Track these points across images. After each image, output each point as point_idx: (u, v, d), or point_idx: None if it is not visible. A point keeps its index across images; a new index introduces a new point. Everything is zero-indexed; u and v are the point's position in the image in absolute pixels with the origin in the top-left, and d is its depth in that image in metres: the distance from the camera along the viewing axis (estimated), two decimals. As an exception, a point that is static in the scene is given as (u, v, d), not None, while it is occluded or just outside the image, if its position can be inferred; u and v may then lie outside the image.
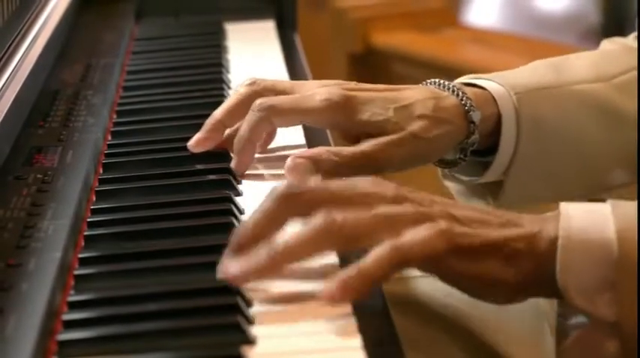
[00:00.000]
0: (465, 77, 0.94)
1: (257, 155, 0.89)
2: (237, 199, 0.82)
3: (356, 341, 0.62)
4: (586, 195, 0.97)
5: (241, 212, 0.81)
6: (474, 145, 0.89)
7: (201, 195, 0.82)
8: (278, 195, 0.68)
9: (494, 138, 0.91)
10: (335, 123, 0.87)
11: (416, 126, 0.86)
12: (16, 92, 0.93)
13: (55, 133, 0.94)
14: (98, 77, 1.09)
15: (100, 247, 0.76)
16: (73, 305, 0.68)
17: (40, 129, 0.95)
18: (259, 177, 0.88)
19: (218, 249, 0.72)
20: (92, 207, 0.81)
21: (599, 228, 0.67)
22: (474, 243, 0.67)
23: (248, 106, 0.87)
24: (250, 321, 0.65)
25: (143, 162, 0.90)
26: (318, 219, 0.66)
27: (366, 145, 0.85)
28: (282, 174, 0.86)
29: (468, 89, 0.90)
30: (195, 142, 0.89)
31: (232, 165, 0.87)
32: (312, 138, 0.94)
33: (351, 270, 0.65)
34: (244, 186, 0.86)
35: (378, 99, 0.87)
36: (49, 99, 1.03)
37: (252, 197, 0.84)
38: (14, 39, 1.01)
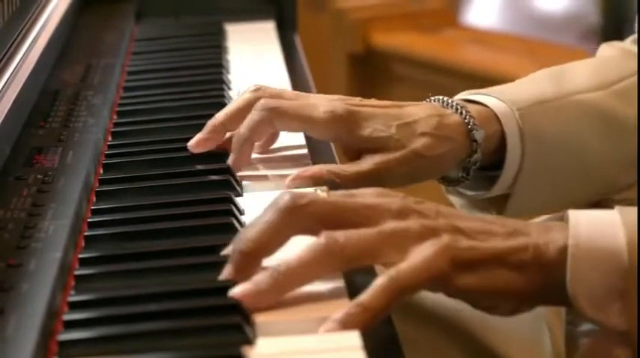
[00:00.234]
0: (465, 93, 0.93)
1: (257, 155, 0.89)
2: (238, 200, 0.82)
3: (356, 342, 0.62)
4: (590, 202, 0.97)
5: (241, 212, 0.81)
6: (477, 164, 0.89)
7: (201, 195, 0.82)
8: (282, 207, 0.67)
9: (499, 155, 0.91)
10: (336, 136, 0.87)
11: (418, 143, 0.86)
12: (17, 92, 0.93)
13: (55, 134, 0.94)
14: (98, 78, 1.10)
15: (101, 247, 0.76)
16: (74, 306, 0.68)
17: (41, 130, 0.95)
18: (260, 177, 0.88)
19: (218, 250, 0.72)
20: (92, 208, 0.82)
21: (609, 236, 0.66)
22: (479, 256, 0.66)
23: (249, 112, 0.87)
24: (250, 321, 0.65)
25: (143, 163, 0.90)
26: (320, 241, 0.66)
27: (367, 164, 0.85)
28: (283, 175, 0.86)
29: (470, 107, 0.90)
30: (195, 143, 0.89)
31: (229, 161, 0.86)
32: (313, 139, 0.94)
33: (352, 307, 0.64)
34: (244, 186, 0.86)
35: (381, 115, 0.86)
36: (49, 100, 1.03)
37: (253, 198, 0.84)
38: (15, 39, 1.01)
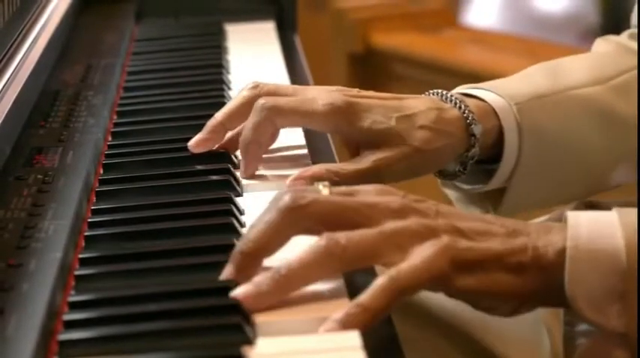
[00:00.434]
0: (463, 87, 0.93)
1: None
2: (238, 200, 0.83)
3: (356, 342, 0.62)
4: (586, 197, 0.97)
5: (241, 212, 0.81)
6: (474, 158, 0.89)
7: (201, 195, 0.83)
8: (282, 207, 0.67)
9: (496, 149, 0.91)
10: (336, 128, 0.87)
11: (417, 137, 0.86)
12: (17, 93, 0.93)
13: (55, 134, 0.94)
14: (99, 78, 1.10)
15: (101, 247, 0.76)
16: (74, 306, 0.68)
17: (41, 130, 0.95)
18: (260, 177, 0.88)
19: (218, 250, 0.72)
20: (92, 208, 0.82)
21: (608, 238, 0.66)
22: (478, 257, 0.66)
23: (249, 109, 0.86)
24: (250, 322, 0.65)
25: (143, 163, 0.90)
26: (321, 242, 0.66)
27: (365, 161, 0.85)
28: (283, 175, 0.86)
29: (469, 101, 0.90)
30: (195, 143, 0.89)
31: (241, 168, 0.86)
32: (313, 139, 0.95)
33: (352, 307, 0.64)
34: (244, 186, 0.86)
35: (381, 107, 0.86)
36: (49, 100, 1.03)
37: (253, 198, 0.84)
38: (15, 40, 1.01)
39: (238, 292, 0.66)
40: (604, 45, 1.02)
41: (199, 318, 0.65)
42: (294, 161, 0.89)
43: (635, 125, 0.93)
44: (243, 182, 0.86)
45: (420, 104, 0.88)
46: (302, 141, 0.93)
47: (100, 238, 0.77)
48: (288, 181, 0.83)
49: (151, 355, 0.63)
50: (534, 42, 2.50)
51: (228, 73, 1.16)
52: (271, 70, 1.17)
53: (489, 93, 0.91)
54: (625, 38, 1.01)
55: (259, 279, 0.66)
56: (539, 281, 0.67)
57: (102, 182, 0.87)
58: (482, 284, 0.66)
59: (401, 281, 0.64)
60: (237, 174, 0.87)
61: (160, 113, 1.02)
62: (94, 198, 0.84)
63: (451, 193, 0.96)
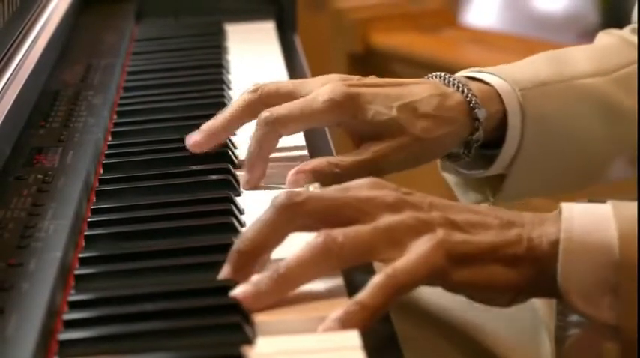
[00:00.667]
0: (467, 70, 0.93)
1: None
2: (237, 199, 0.83)
3: (355, 341, 0.62)
4: (584, 187, 0.98)
5: (241, 212, 0.81)
6: (479, 142, 0.89)
7: (201, 195, 0.83)
8: (278, 205, 0.68)
9: (497, 133, 0.91)
10: (339, 121, 0.87)
11: (419, 126, 0.86)
12: (17, 93, 0.93)
13: (55, 134, 0.94)
14: (99, 78, 1.10)
15: (101, 247, 0.76)
16: (74, 305, 0.68)
17: (41, 130, 0.95)
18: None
19: (218, 249, 0.72)
20: (92, 207, 0.82)
21: (601, 231, 0.67)
22: (473, 250, 0.67)
23: (249, 113, 0.87)
24: (250, 321, 0.65)
25: (143, 163, 0.90)
26: (318, 240, 0.66)
27: (365, 153, 0.85)
28: (282, 175, 0.86)
29: (473, 84, 0.90)
30: (192, 143, 0.88)
31: (243, 180, 0.86)
32: (312, 138, 0.95)
33: (351, 305, 0.64)
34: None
35: (382, 96, 0.86)
36: (49, 100, 1.03)
37: (252, 197, 0.84)
38: (15, 40, 1.01)
39: (237, 291, 0.66)
40: (606, 38, 1.02)
41: (199, 318, 0.65)
42: (294, 161, 0.89)
43: (636, 119, 0.94)
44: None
45: (422, 90, 0.88)
46: (302, 141, 0.93)
47: (100, 238, 0.77)
48: (289, 174, 0.83)
49: (151, 354, 0.63)
50: (534, 42, 2.50)
51: (228, 72, 1.16)
52: (271, 70, 1.17)
53: (494, 76, 0.91)
54: (627, 32, 1.02)
55: (258, 279, 0.66)
56: (534, 273, 0.67)
57: (102, 182, 0.87)
58: (478, 276, 0.67)
59: (398, 279, 0.64)
60: (237, 173, 0.87)
61: (160, 113, 1.02)
62: (94, 198, 0.84)
63: (450, 177, 0.97)
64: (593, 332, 0.68)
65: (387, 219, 0.67)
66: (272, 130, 0.85)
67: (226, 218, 0.78)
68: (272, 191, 0.84)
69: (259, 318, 0.65)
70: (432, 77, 0.91)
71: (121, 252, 0.74)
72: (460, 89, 0.88)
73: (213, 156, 0.89)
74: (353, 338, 0.63)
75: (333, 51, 2.56)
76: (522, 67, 0.95)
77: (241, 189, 0.85)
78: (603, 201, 0.69)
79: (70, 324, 0.66)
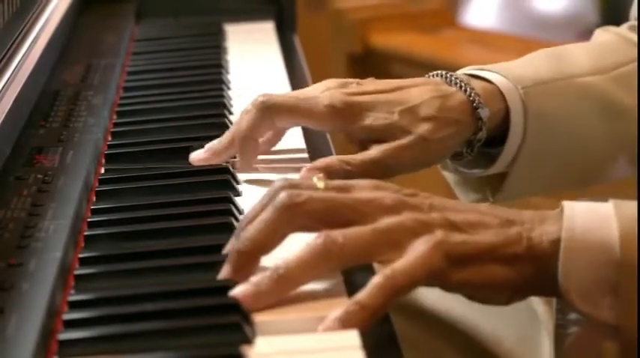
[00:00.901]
0: (469, 68, 0.93)
1: (259, 157, 0.89)
2: (237, 199, 0.83)
3: (355, 341, 0.63)
4: (584, 187, 0.97)
5: (240, 212, 0.81)
6: (482, 141, 0.89)
7: (200, 195, 0.83)
8: (278, 205, 0.68)
9: (499, 132, 0.90)
10: (337, 128, 0.87)
11: (422, 128, 0.86)
12: (17, 93, 0.93)
13: (55, 134, 0.94)
14: (98, 78, 1.10)
15: (100, 247, 0.76)
16: (74, 305, 0.68)
17: (41, 130, 0.95)
18: (259, 177, 0.88)
19: (217, 249, 0.72)
20: (92, 207, 0.82)
21: (603, 230, 0.67)
22: (472, 250, 0.67)
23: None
24: (250, 321, 0.65)
25: (143, 163, 0.90)
26: (318, 241, 0.66)
27: (374, 152, 0.85)
28: (282, 175, 0.86)
29: (475, 83, 0.90)
30: (197, 159, 0.88)
31: (237, 163, 0.86)
32: (312, 141, 0.95)
33: (351, 305, 0.64)
34: (243, 186, 0.86)
35: (382, 102, 0.86)
36: (49, 100, 1.03)
37: (252, 197, 0.84)
38: (15, 40, 1.02)
39: (237, 291, 0.66)
40: (605, 35, 1.02)
41: (199, 318, 0.65)
42: (294, 162, 0.90)
43: (635, 116, 0.93)
44: (243, 182, 0.86)
45: (422, 93, 0.87)
46: (302, 143, 0.93)
47: (99, 238, 0.77)
48: (302, 171, 0.83)
49: (150, 354, 0.63)
50: (533, 42, 2.50)
51: (227, 73, 1.16)
52: (270, 70, 1.17)
53: (496, 74, 0.91)
54: (625, 29, 1.02)
55: (258, 279, 0.66)
56: (533, 271, 0.67)
57: (101, 182, 0.87)
58: (477, 277, 0.67)
59: (397, 280, 0.65)
60: (237, 173, 0.87)
61: (160, 113, 1.02)
62: (94, 198, 0.84)
63: (450, 176, 0.96)
64: (592, 331, 0.68)
65: (386, 221, 0.67)
66: (266, 115, 0.85)
67: (226, 218, 0.78)
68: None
69: (259, 318, 0.65)
70: (433, 76, 0.91)
71: (121, 252, 0.74)
72: (463, 88, 0.88)
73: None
74: (352, 338, 0.63)
75: (332, 51, 2.56)
76: (523, 64, 0.95)
77: (240, 189, 0.85)
78: (605, 200, 0.69)
79: (70, 324, 0.66)
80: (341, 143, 0.96)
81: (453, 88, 0.89)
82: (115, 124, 1.00)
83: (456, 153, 0.91)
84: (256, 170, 0.88)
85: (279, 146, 0.91)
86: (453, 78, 0.89)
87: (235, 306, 0.65)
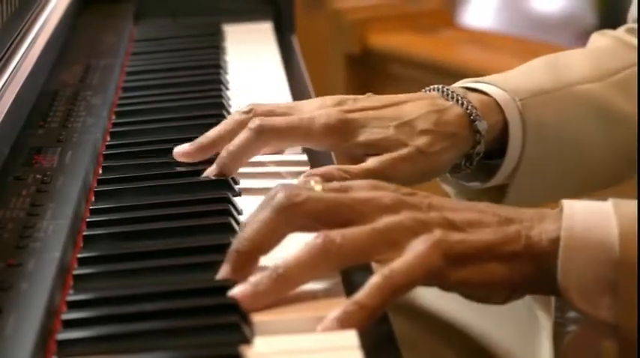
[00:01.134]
0: (465, 81, 0.93)
1: (258, 157, 0.89)
2: (235, 199, 0.83)
3: (353, 341, 0.63)
4: (586, 194, 0.97)
5: (239, 212, 0.81)
6: (480, 154, 0.89)
7: (199, 195, 0.83)
8: (277, 205, 0.68)
9: (498, 144, 0.90)
10: (333, 147, 0.87)
11: (420, 141, 0.85)
12: (16, 93, 0.94)
13: (54, 134, 0.94)
14: (97, 78, 1.10)
15: (99, 247, 0.76)
16: (72, 305, 0.68)
17: (40, 130, 0.95)
18: (258, 176, 0.88)
19: (216, 249, 0.72)
20: (91, 208, 0.82)
21: (602, 229, 0.67)
22: (470, 249, 0.67)
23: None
24: (248, 321, 0.65)
25: (142, 163, 0.90)
26: (317, 241, 0.66)
27: (372, 162, 0.84)
28: (281, 175, 0.86)
29: (472, 96, 0.89)
30: (180, 153, 0.88)
31: (207, 171, 0.86)
32: (313, 151, 0.95)
33: (349, 305, 0.64)
34: (242, 186, 0.86)
35: (378, 118, 0.86)
36: (48, 100, 1.03)
37: (251, 197, 0.84)
38: (14, 40, 1.02)
39: (236, 291, 0.66)
40: (601, 39, 1.02)
41: (197, 318, 0.65)
42: (292, 164, 0.90)
43: (635, 122, 0.93)
44: (242, 183, 0.86)
45: (418, 108, 0.87)
46: (303, 155, 0.92)
47: (98, 238, 0.77)
48: (300, 177, 0.83)
49: (149, 354, 0.63)
50: (531, 42, 2.50)
51: (226, 73, 1.16)
52: (269, 71, 1.17)
53: (492, 87, 0.91)
54: (622, 32, 1.01)
55: (257, 279, 0.66)
56: (532, 269, 0.67)
57: (100, 182, 0.87)
58: (476, 275, 0.67)
59: (395, 280, 0.65)
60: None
61: (159, 113, 1.02)
62: (93, 198, 0.84)
63: (450, 189, 0.96)
64: (591, 329, 0.68)
65: (384, 220, 0.67)
66: (260, 139, 0.85)
67: (224, 218, 0.78)
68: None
69: (257, 318, 0.66)
70: (429, 90, 0.91)
71: (120, 252, 0.74)
72: (459, 102, 0.88)
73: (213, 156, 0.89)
74: (351, 338, 0.63)
75: (330, 51, 2.56)
76: (519, 74, 0.94)
77: (239, 190, 0.85)
78: (604, 199, 0.69)
79: (69, 324, 0.66)
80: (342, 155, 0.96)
81: (450, 102, 0.88)
82: (114, 124, 1.00)
83: (455, 167, 0.90)
84: (254, 169, 0.88)
85: (279, 157, 0.90)
86: (449, 92, 0.89)
87: (234, 306, 0.65)
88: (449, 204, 0.70)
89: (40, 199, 0.80)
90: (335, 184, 0.71)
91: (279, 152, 0.91)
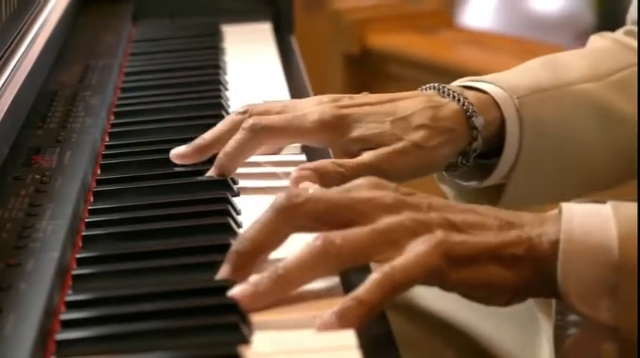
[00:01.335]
0: (463, 80, 0.93)
1: (256, 157, 0.89)
2: (234, 200, 0.83)
3: (351, 340, 0.63)
4: (584, 194, 0.97)
5: (238, 212, 0.81)
6: (477, 151, 0.89)
7: (198, 195, 0.83)
8: (277, 206, 0.68)
9: (494, 142, 0.90)
10: (328, 143, 0.87)
11: (416, 136, 0.85)
12: (15, 93, 0.94)
13: (53, 134, 0.94)
14: (96, 78, 1.10)
15: (98, 247, 0.76)
16: (71, 305, 0.68)
17: (39, 130, 0.95)
18: (256, 176, 0.88)
19: (215, 250, 0.72)
20: (90, 208, 0.82)
21: (601, 232, 0.66)
22: (471, 251, 0.67)
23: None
24: (247, 321, 0.65)
25: (141, 163, 0.90)
26: (317, 242, 0.66)
27: (367, 156, 0.84)
28: (280, 175, 0.87)
29: (469, 93, 0.89)
30: (176, 154, 0.88)
31: (209, 172, 0.86)
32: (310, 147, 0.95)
33: (348, 301, 0.64)
34: (241, 186, 0.86)
35: (373, 114, 0.86)
36: (47, 101, 1.03)
37: (249, 197, 0.84)
38: (13, 40, 1.02)
39: (235, 292, 0.66)
40: (600, 41, 1.02)
41: (196, 318, 0.65)
42: (291, 164, 0.90)
43: (634, 122, 0.93)
44: (240, 182, 0.87)
45: (414, 104, 0.87)
46: (300, 151, 0.93)
47: (97, 238, 0.77)
48: (293, 171, 0.83)
49: (148, 354, 0.63)
50: (530, 43, 2.50)
51: (225, 73, 1.16)
52: (268, 71, 1.17)
53: (489, 85, 0.91)
54: (621, 34, 1.01)
55: (256, 279, 0.66)
56: (533, 273, 0.67)
57: (99, 182, 0.87)
58: (476, 277, 0.67)
59: (395, 277, 0.65)
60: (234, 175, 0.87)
61: (157, 114, 1.02)
62: (92, 198, 0.84)
63: (447, 189, 0.96)
64: (591, 332, 0.68)
65: (385, 221, 0.67)
66: (255, 138, 0.85)
67: (223, 218, 0.78)
68: (269, 193, 0.84)
69: (256, 318, 0.66)
70: (426, 89, 0.91)
71: (119, 253, 0.74)
72: (456, 98, 0.88)
73: (210, 156, 0.89)
74: (349, 338, 0.63)
75: (330, 52, 2.56)
76: (518, 73, 0.94)
77: (238, 190, 0.85)
78: (603, 202, 0.69)
79: (68, 324, 0.66)
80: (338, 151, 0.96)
81: (446, 99, 0.88)
82: (113, 125, 1.00)
83: (452, 164, 0.90)
84: (253, 169, 0.88)
85: (277, 157, 0.90)
86: (446, 89, 0.89)
87: (233, 306, 0.65)
88: (449, 204, 0.70)
89: (39, 199, 0.80)
90: (335, 188, 0.71)
91: (277, 151, 0.91)
